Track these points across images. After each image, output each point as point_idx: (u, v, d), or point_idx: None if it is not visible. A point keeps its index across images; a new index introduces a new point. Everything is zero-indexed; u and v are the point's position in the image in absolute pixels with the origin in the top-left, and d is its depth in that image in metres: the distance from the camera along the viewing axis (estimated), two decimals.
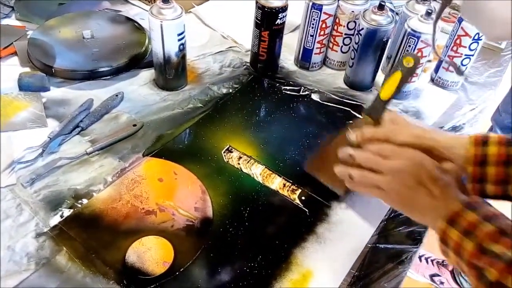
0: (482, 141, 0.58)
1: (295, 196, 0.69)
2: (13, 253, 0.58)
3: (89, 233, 0.61)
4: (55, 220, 0.62)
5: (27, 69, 0.85)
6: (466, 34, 0.86)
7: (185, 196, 0.67)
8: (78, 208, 0.64)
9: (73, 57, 0.86)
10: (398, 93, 0.66)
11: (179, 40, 0.79)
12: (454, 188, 0.54)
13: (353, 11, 0.86)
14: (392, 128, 0.63)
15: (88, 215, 0.63)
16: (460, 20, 0.86)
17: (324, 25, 0.88)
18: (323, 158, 0.68)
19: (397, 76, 0.64)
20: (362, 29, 0.83)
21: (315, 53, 0.93)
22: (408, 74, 0.64)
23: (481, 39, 0.86)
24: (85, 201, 0.65)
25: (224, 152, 0.75)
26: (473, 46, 0.87)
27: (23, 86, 0.81)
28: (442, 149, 0.60)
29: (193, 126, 0.79)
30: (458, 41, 0.87)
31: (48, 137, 0.72)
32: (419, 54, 0.83)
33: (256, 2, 0.84)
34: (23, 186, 0.65)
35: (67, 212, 0.63)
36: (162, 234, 0.62)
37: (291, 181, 0.71)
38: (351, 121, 0.70)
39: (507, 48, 1.09)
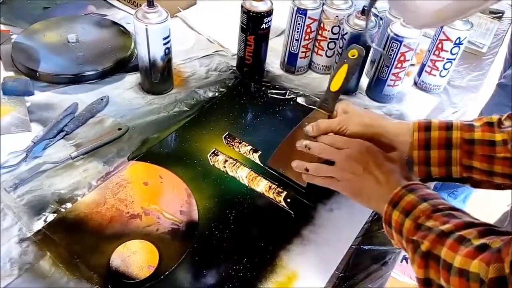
0: (425, 127, 0.64)
1: (280, 198, 0.70)
2: None
3: (73, 237, 0.61)
4: (39, 225, 0.61)
5: (11, 73, 0.84)
6: (448, 39, 0.87)
7: (170, 199, 0.67)
8: (62, 212, 0.63)
9: (58, 61, 0.85)
10: (346, 84, 0.71)
11: (165, 44, 0.79)
12: (397, 174, 0.58)
13: (337, 16, 0.87)
14: (343, 118, 0.67)
15: (72, 220, 0.63)
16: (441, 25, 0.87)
17: (309, 30, 0.89)
18: (284, 152, 0.71)
19: (344, 68, 0.70)
20: (346, 33, 0.84)
21: (301, 57, 0.94)
22: (354, 66, 0.70)
23: (462, 43, 0.88)
24: (69, 205, 0.64)
25: (210, 156, 0.75)
26: (455, 50, 0.89)
27: (7, 91, 0.80)
28: (390, 136, 0.65)
29: (179, 129, 0.80)
30: (440, 45, 0.89)
31: (32, 141, 0.71)
32: (402, 58, 0.84)
33: (242, 7, 0.84)
34: (6, 191, 0.65)
35: (51, 217, 0.62)
36: (147, 238, 0.62)
37: (276, 184, 0.71)
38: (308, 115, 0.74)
39: (488, 52, 1.11)
